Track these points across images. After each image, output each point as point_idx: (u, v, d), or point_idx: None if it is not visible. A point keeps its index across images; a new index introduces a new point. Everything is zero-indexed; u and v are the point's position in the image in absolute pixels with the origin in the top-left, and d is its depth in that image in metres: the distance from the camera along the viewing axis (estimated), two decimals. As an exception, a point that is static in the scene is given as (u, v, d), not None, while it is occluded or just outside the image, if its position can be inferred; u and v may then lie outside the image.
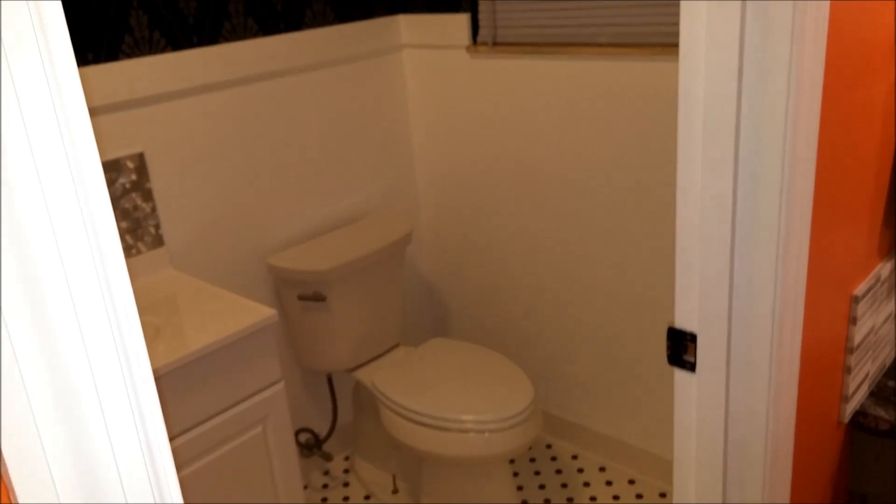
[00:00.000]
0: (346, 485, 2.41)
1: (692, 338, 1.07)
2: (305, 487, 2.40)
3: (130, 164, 1.83)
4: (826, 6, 0.90)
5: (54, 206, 0.49)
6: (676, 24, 1.79)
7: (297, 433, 2.33)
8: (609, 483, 2.31)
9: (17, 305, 0.48)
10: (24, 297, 0.49)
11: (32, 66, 0.47)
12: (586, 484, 2.32)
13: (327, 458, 2.28)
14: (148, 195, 1.88)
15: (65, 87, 0.49)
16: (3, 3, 0.46)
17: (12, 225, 0.48)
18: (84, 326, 0.51)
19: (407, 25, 2.39)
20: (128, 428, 0.55)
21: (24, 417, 0.50)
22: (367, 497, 2.34)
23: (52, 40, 0.48)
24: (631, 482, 2.31)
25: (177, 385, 1.53)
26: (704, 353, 1.06)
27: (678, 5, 0.94)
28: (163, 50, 1.86)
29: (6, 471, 0.50)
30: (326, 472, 2.47)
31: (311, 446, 2.34)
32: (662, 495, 2.24)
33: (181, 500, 0.60)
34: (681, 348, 1.09)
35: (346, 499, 2.35)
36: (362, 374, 2.23)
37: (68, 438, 0.52)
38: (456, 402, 1.99)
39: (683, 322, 1.08)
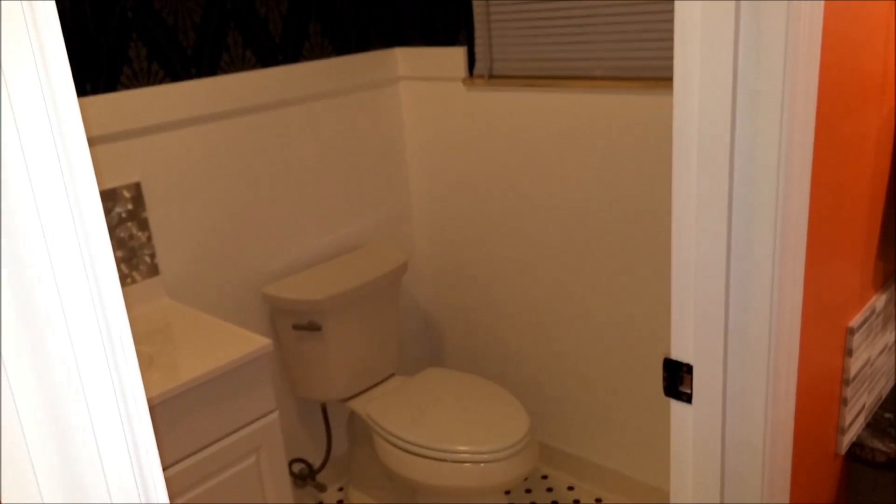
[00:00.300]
0: (339, 517, 2.38)
1: (688, 369, 1.07)
2: (299, 519, 2.37)
3: (127, 194, 1.84)
4: (817, 41, 0.92)
5: (52, 236, 0.49)
6: (670, 58, 1.82)
7: (291, 463, 2.31)
8: (605, 515, 2.29)
9: (13, 335, 0.48)
10: (20, 327, 0.49)
11: (33, 96, 0.48)
12: (583, 516, 2.30)
13: (321, 488, 2.26)
14: (144, 224, 1.88)
15: (64, 118, 0.49)
16: (4, 33, 0.46)
17: (11, 255, 0.48)
18: (80, 357, 0.51)
19: (404, 58, 2.42)
20: (122, 458, 0.55)
21: (19, 447, 0.50)
22: (361, 529, 2.32)
23: (52, 71, 0.49)
24: (628, 514, 2.29)
25: (171, 414, 1.52)
26: (701, 384, 1.06)
27: (671, 40, 0.95)
28: (161, 81, 1.87)
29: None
30: (320, 503, 2.44)
31: (305, 476, 2.31)
32: (659, 528, 2.22)
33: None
34: (677, 379, 1.09)
35: (339, 531, 2.32)
36: (357, 404, 2.22)
37: (62, 469, 0.52)
38: (451, 433, 1.97)
39: (679, 353, 1.08)
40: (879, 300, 1.36)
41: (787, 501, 1.14)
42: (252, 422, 1.68)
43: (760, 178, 0.93)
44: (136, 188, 1.86)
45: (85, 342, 0.52)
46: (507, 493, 2.39)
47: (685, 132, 0.97)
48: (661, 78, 1.89)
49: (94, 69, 1.75)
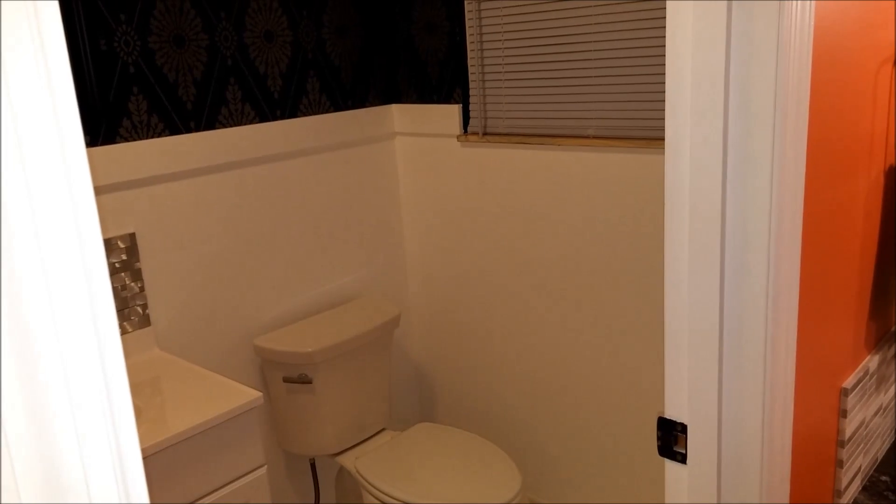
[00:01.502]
0: (326, 577, 2.32)
1: (682, 428, 1.07)
2: (284, 579, 2.30)
3: (121, 244, 1.84)
4: (805, 106, 0.94)
5: (56, 284, 0.49)
6: (661, 118, 1.86)
7: (277, 521, 2.26)
8: (598, 578, 2.24)
9: (9, 381, 0.48)
10: (19, 375, 0.48)
11: (47, 147, 0.49)
12: (575, 579, 2.24)
13: (308, 547, 2.21)
14: (137, 275, 1.88)
15: (73, 170, 0.50)
16: (23, 90, 0.47)
17: (12, 305, 0.48)
18: (77, 411, 0.51)
19: (400, 114, 2.46)
20: None
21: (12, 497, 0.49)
22: (347, 590, 2.25)
23: (63, 122, 0.49)
24: (621, 577, 2.24)
25: (158, 468, 1.49)
26: (695, 444, 1.05)
27: (662, 101, 0.97)
28: (160, 134, 1.90)
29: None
30: (306, 563, 2.38)
31: (292, 535, 2.26)
32: (654, 592, 2.17)
33: None
34: (671, 439, 1.08)
35: (326, 592, 2.26)
36: (346, 460, 2.18)
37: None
38: (441, 490, 1.94)
39: (673, 412, 1.07)
40: (873, 361, 1.36)
41: (784, 566, 1.12)
42: (240, 477, 1.65)
43: (752, 235, 0.95)
44: (131, 238, 1.86)
45: (84, 397, 0.51)
46: (498, 553, 2.34)
47: (676, 189, 0.98)
48: (652, 138, 1.93)
49: (94, 121, 1.77)
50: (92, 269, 0.52)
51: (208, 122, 1.99)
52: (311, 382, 2.08)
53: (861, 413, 1.32)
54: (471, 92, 2.28)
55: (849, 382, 1.26)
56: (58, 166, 0.49)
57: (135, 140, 1.84)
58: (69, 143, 0.50)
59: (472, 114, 2.29)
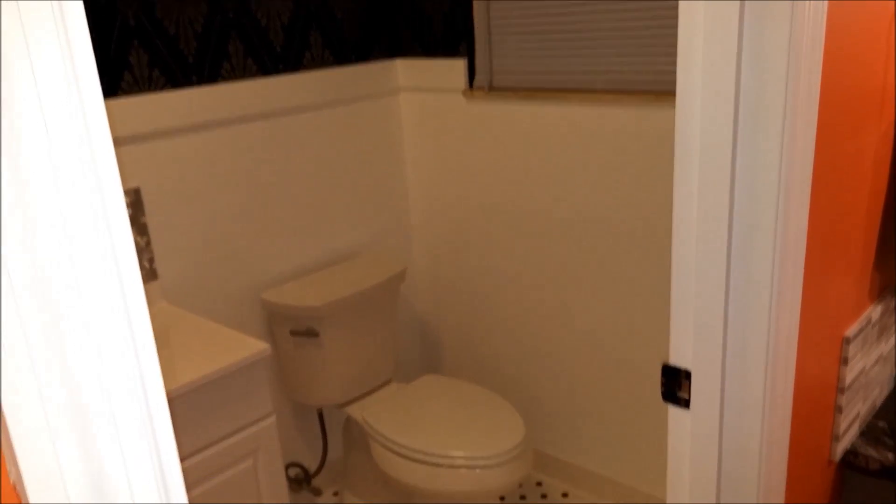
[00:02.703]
0: (334, 522, 2.38)
1: (687, 375, 1.09)
2: (294, 525, 2.37)
3: (126, 199, 1.84)
4: (819, 57, 0.94)
5: (75, 231, 0.50)
6: (671, 72, 1.84)
7: (287, 467, 2.31)
8: (599, 523, 2.30)
9: (33, 325, 0.49)
10: (43, 325, 0.50)
11: (63, 97, 0.49)
12: (577, 523, 2.31)
13: (317, 492, 2.26)
14: (143, 229, 1.89)
15: (91, 118, 0.51)
16: (41, 42, 0.48)
17: (34, 257, 0.49)
18: (102, 347, 0.53)
19: (404, 69, 2.44)
20: (141, 447, 0.56)
21: (42, 436, 0.51)
22: (355, 535, 2.32)
23: (81, 74, 0.50)
24: (621, 522, 2.30)
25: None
26: (699, 389, 1.08)
27: (674, 54, 0.97)
28: (162, 88, 1.89)
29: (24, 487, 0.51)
30: (315, 510, 2.44)
31: (301, 481, 2.32)
32: (653, 536, 2.23)
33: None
34: (675, 385, 1.11)
35: (334, 537, 2.32)
36: (353, 410, 2.22)
37: (85, 461, 0.53)
38: (447, 439, 1.98)
39: (678, 359, 1.10)
40: (875, 311, 1.38)
41: (783, 507, 1.16)
42: (249, 425, 1.68)
43: (761, 189, 0.95)
44: (136, 193, 1.86)
45: (108, 338, 0.53)
46: (502, 498, 2.40)
47: (687, 142, 0.99)
48: (662, 91, 1.92)
49: (97, 74, 1.76)
50: (112, 221, 0.53)
51: (210, 75, 1.98)
52: (318, 335, 2.11)
53: (862, 361, 1.35)
54: (476, 45, 2.26)
55: (851, 331, 1.28)
56: (77, 117, 0.50)
57: (136, 94, 1.84)
58: (87, 94, 0.50)
59: (477, 68, 2.28)
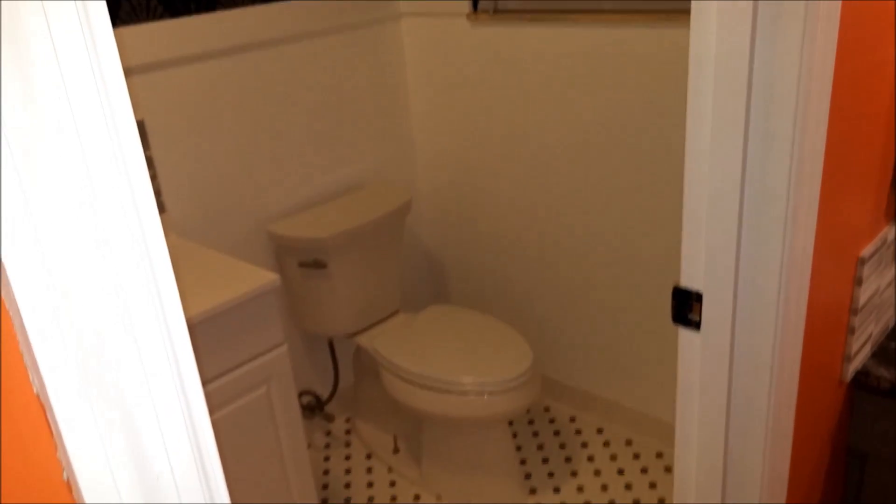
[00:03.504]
0: (347, 444, 2.43)
1: (698, 297, 1.08)
2: (308, 447, 2.42)
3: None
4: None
5: (93, 161, 0.49)
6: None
7: (299, 395, 2.35)
8: (606, 444, 2.34)
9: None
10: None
11: (74, 31, 0.48)
12: (584, 445, 2.35)
13: (329, 419, 2.30)
14: (148, 162, 1.87)
15: (101, 48, 0.49)
16: None
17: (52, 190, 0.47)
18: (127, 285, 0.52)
19: (407, -11, 2.36)
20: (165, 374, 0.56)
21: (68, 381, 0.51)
22: (368, 456, 2.37)
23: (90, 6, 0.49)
24: (628, 443, 2.33)
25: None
26: (710, 311, 1.07)
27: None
28: (160, 17, 1.83)
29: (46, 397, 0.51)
30: (328, 433, 2.49)
31: (314, 408, 2.36)
32: (659, 455, 2.27)
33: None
34: (686, 308, 1.10)
35: (347, 458, 2.38)
36: (363, 339, 2.24)
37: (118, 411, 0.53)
38: (456, 365, 2.00)
39: (689, 281, 1.08)
40: (891, 232, 1.35)
41: (792, 426, 1.16)
42: (262, 354, 1.70)
43: (778, 104, 0.92)
44: (140, 126, 1.83)
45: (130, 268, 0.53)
46: (511, 423, 2.44)
47: (702, 56, 0.95)
48: (672, 10, 1.85)
49: None
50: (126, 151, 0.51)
51: (208, 4, 1.92)
52: (325, 267, 2.11)
53: (875, 282, 1.33)
54: (481, -38, 2.18)
55: (866, 252, 1.26)
56: (88, 48, 0.48)
57: (134, 23, 1.79)
58: (95, 21, 0.49)
59: (482, -13, 2.20)
